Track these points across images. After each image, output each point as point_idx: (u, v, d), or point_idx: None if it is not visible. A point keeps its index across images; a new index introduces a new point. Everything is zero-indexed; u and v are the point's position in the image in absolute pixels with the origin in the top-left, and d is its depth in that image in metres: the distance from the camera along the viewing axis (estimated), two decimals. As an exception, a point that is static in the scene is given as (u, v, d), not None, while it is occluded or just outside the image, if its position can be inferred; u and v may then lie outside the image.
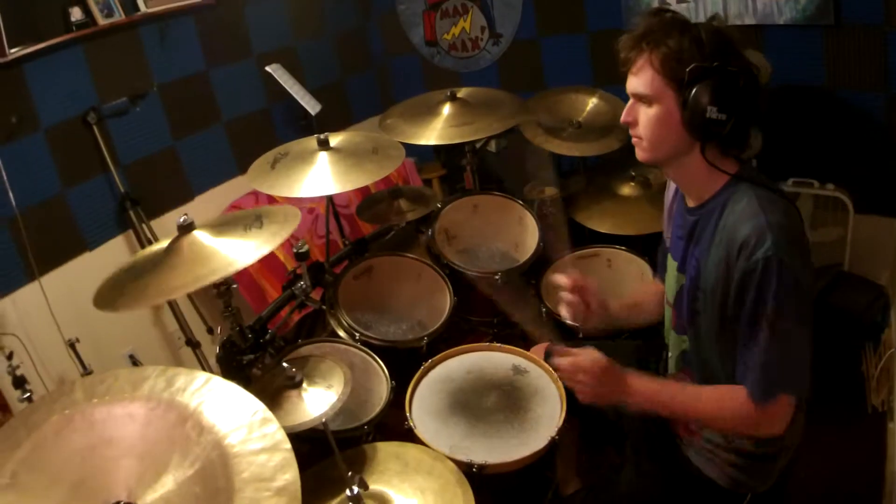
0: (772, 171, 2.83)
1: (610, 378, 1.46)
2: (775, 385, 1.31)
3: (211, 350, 2.90)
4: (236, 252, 1.57)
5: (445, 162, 4.09)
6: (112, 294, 1.58)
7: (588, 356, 1.48)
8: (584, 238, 2.70)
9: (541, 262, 2.57)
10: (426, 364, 2.05)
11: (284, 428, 1.21)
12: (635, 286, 1.88)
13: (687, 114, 1.31)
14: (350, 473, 1.46)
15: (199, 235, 1.64)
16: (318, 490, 1.60)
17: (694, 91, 1.29)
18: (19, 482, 1.07)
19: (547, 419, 1.83)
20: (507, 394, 1.94)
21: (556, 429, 1.77)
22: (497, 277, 2.45)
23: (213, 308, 3.11)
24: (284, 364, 1.60)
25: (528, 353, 2.07)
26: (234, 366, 1.99)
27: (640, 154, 1.45)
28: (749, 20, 2.87)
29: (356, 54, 4.22)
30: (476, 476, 1.68)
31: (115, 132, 2.95)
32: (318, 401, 1.55)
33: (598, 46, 3.43)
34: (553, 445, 1.76)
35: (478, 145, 3.46)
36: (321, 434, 1.55)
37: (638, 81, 1.37)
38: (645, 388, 1.47)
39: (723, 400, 1.40)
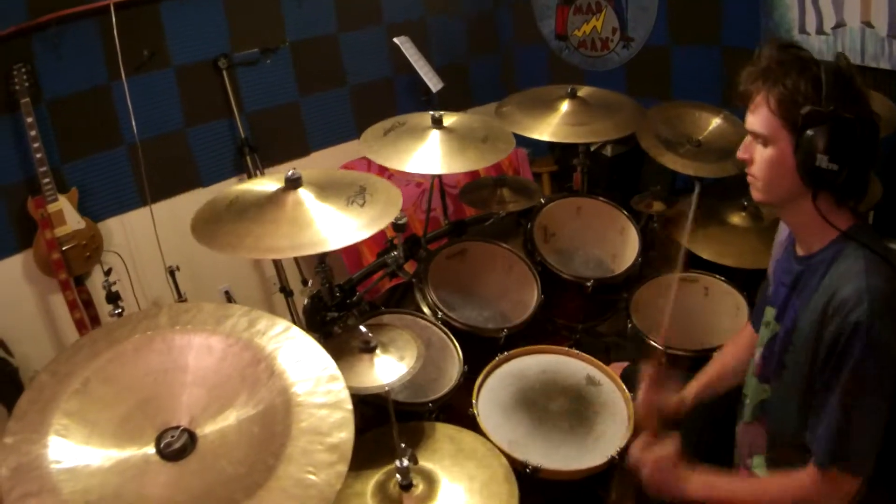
0: (889, 227, 2.63)
1: (668, 469, 1.47)
2: (838, 458, 1.25)
3: (302, 301, 3.00)
4: (332, 229, 1.60)
5: (559, 159, 4.04)
6: (210, 228, 1.63)
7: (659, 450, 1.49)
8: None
9: (635, 277, 2.49)
10: (501, 356, 2.04)
11: (349, 388, 1.22)
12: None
13: (799, 159, 1.25)
14: (403, 445, 1.47)
15: (304, 195, 1.67)
16: (372, 455, 1.62)
17: (806, 136, 1.22)
18: (89, 390, 1.11)
19: (610, 437, 1.78)
20: (576, 402, 1.90)
21: (617, 449, 1.72)
22: (588, 284, 2.39)
23: (311, 260, 3.23)
24: (363, 328, 1.62)
25: (605, 366, 2.02)
26: (317, 319, 2.05)
27: (754, 194, 1.40)
28: (884, 64, 2.62)
29: (485, 37, 4.22)
30: (528, 477, 1.66)
31: (242, 80, 3.08)
32: (387, 369, 1.56)
33: (731, 63, 3.25)
34: (611, 465, 1.72)
35: (592, 147, 3.39)
36: (385, 401, 1.56)
37: (755, 119, 1.32)
38: (704, 483, 1.45)
39: (787, 488, 1.35)
